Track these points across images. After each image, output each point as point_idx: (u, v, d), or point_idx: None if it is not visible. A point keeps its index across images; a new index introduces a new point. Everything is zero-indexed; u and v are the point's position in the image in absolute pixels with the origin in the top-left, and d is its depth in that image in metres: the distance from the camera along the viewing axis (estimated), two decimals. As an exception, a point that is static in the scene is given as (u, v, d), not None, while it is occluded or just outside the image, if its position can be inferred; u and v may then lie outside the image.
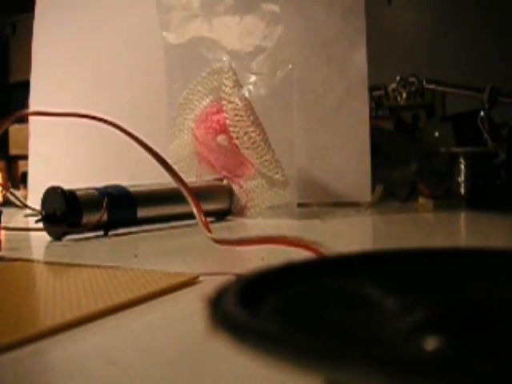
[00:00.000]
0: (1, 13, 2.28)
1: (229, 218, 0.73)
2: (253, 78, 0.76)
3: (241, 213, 0.74)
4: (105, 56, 1.06)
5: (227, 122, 0.69)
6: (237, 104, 0.69)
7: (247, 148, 0.68)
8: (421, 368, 0.09)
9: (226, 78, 0.70)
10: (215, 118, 0.72)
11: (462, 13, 1.61)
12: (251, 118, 0.68)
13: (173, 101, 0.83)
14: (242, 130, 0.68)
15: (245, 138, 0.68)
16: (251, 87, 0.75)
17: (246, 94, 0.73)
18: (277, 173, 0.69)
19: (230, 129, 0.69)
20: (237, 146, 0.69)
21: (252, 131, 0.68)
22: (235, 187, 0.73)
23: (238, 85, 0.70)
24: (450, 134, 1.04)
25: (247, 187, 0.72)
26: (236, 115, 0.68)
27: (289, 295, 0.15)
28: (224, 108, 0.70)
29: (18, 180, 1.58)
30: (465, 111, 1.06)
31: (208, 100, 0.75)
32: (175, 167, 0.72)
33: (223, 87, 0.71)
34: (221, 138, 0.71)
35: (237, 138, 0.69)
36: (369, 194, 0.90)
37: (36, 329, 0.23)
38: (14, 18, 2.33)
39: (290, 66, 0.74)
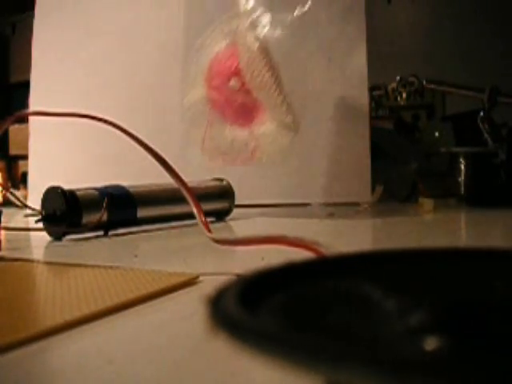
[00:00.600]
0: (1, 13, 2.28)
1: (229, 217, 0.73)
2: (269, 18, 0.74)
3: (246, 161, 0.72)
4: (104, 55, 1.06)
5: (240, 63, 0.68)
6: (251, 45, 0.67)
7: (260, 89, 0.67)
8: (421, 368, 0.09)
9: (242, 19, 0.69)
10: (228, 62, 0.70)
11: (462, 12, 1.61)
12: (265, 59, 0.66)
13: (189, 53, 0.81)
14: (256, 71, 0.66)
15: (258, 79, 0.66)
16: (268, 28, 0.73)
17: (262, 35, 0.71)
18: (287, 116, 0.67)
19: (243, 70, 0.67)
20: (249, 90, 0.68)
21: (265, 72, 0.66)
22: (245, 133, 0.71)
23: (254, 25, 0.69)
24: (450, 134, 1.04)
25: (257, 133, 0.70)
26: (250, 57, 0.67)
27: (289, 295, 0.15)
28: (239, 49, 0.68)
29: (18, 180, 1.58)
30: (465, 111, 1.06)
31: (223, 44, 0.73)
32: (188, 114, 0.71)
33: (239, 28, 0.69)
34: (233, 81, 0.70)
35: (250, 79, 0.67)
36: (369, 193, 0.90)
37: (36, 329, 0.23)
38: (14, 18, 2.33)
39: (308, 4, 0.73)
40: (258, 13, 0.71)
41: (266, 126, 0.69)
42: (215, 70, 0.72)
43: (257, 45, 0.67)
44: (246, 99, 0.69)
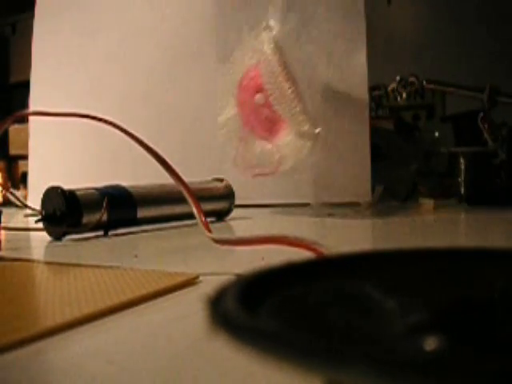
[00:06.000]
0: (1, 13, 2.28)
1: (229, 217, 0.73)
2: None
3: (272, 172, 0.74)
4: (104, 55, 1.06)
5: (263, 79, 0.70)
6: (270, 59, 0.70)
7: (280, 103, 0.69)
8: (421, 368, 0.09)
9: (264, 35, 0.72)
10: (255, 77, 0.73)
11: (461, 13, 1.61)
12: (284, 71, 0.69)
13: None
14: (276, 84, 0.69)
15: (277, 92, 0.69)
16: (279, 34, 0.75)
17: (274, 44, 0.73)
18: (305, 125, 0.69)
19: (266, 86, 0.70)
20: (271, 104, 0.71)
21: (283, 83, 0.68)
22: (270, 146, 0.73)
23: (275, 42, 0.71)
24: (450, 134, 1.04)
25: (280, 144, 0.73)
26: (269, 70, 0.69)
27: (289, 295, 0.15)
28: (260, 64, 0.71)
29: (18, 180, 1.58)
30: (465, 111, 1.06)
31: (252, 60, 0.75)
32: (221, 132, 0.74)
33: (261, 45, 0.72)
34: (258, 97, 0.72)
35: (271, 94, 0.70)
36: (369, 193, 0.90)
37: (36, 329, 0.23)
38: (14, 18, 2.33)
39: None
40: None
41: (287, 137, 0.72)
42: (243, 87, 0.74)
43: (276, 57, 0.69)
44: (270, 113, 0.72)
